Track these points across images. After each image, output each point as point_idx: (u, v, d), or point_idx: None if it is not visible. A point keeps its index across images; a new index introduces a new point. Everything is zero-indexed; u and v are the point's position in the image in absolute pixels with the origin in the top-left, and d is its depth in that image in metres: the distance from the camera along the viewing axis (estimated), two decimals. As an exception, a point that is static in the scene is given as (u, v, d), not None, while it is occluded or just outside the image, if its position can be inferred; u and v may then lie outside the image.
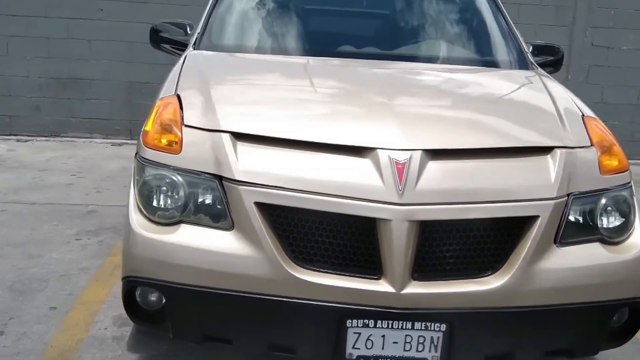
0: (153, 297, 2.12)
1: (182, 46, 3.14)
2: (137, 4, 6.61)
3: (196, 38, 3.02)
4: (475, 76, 2.87)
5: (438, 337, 1.92)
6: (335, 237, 1.91)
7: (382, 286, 1.88)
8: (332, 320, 1.90)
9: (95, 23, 6.64)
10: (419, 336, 1.92)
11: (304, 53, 2.94)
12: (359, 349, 1.93)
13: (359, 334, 1.92)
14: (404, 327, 1.90)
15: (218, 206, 1.98)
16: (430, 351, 1.94)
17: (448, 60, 2.98)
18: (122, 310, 2.71)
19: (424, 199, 1.88)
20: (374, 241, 1.88)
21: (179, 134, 2.09)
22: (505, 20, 3.22)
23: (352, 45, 3.02)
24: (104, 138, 6.83)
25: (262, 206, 1.91)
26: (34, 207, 4.41)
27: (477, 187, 1.93)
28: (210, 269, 1.95)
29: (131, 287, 2.08)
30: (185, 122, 2.13)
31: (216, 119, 2.10)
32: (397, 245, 1.84)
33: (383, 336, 1.92)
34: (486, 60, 3.04)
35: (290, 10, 3.23)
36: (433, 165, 1.94)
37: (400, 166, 1.90)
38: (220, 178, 1.98)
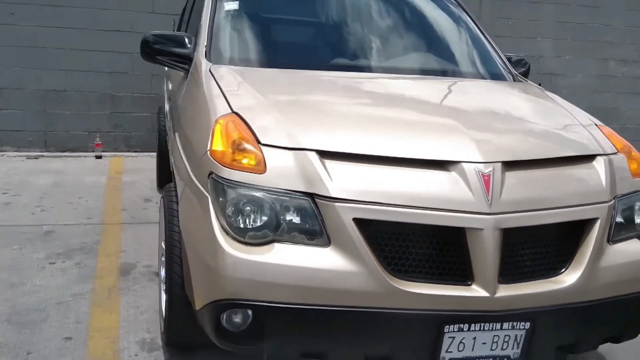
0: (237, 319, 2.10)
1: (183, 58, 3.05)
2: (50, 8, 6.22)
3: (205, 51, 2.95)
4: (498, 89, 3.07)
5: (521, 335, 2.10)
6: (428, 247, 2.03)
7: (475, 291, 2.02)
8: (431, 327, 2.02)
9: (5, 28, 6.16)
10: (505, 335, 2.09)
11: (337, 68, 2.97)
12: (451, 352, 2.07)
13: (453, 338, 2.05)
14: (494, 328, 2.06)
15: (312, 224, 2.02)
16: (512, 348, 2.11)
17: (454, 74, 3.17)
18: (143, 335, 2.72)
19: (507, 208, 2.05)
20: (464, 249, 2.02)
21: (259, 153, 2.09)
22: (486, 35, 3.49)
23: (372, 58, 3.12)
24: (15, 151, 6.36)
25: (359, 222, 1.98)
26: (-19, 230, 4.06)
27: (547, 195, 2.14)
28: (310, 286, 1.99)
29: (223, 309, 2.05)
30: (262, 142, 2.13)
31: (297, 138, 2.12)
32: (488, 252, 2.00)
33: (474, 338, 2.06)
34: (491, 73, 3.26)
35: (305, 22, 3.25)
36: (510, 176, 2.12)
37: (486, 178, 2.06)
38: (312, 196, 2.01)
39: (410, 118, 2.47)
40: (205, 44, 3.01)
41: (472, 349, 2.08)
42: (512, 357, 2.12)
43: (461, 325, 2.03)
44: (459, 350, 2.07)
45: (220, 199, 2.09)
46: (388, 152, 2.11)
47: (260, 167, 2.08)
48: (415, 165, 2.09)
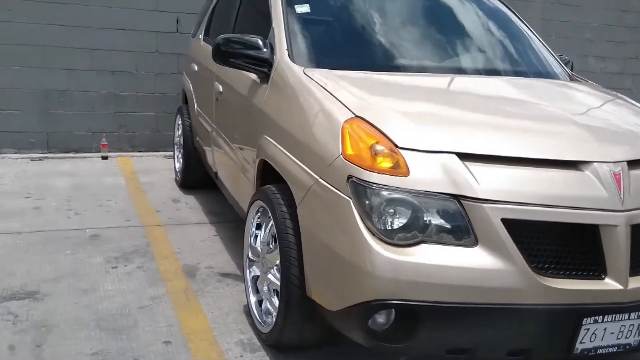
0: (381, 318, 2.18)
1: (259, 61, 3.08)
2: (49, 5, 6.05)
3: (287, 54, 2.99)
4: (581, 89, 3.26)
5: (642, 323, 2.24)
6: (566, 244, 2.16)
7: (609, 285, 2.16)
8: (571, 320, 2.15)
9: (2, 25, 5.95)
10: (630, 324, 2.23)
11: (426, 70, 3.10)
12: (584, 343, 2.20)
13: (588, 329, 2.18)
14: (622, 319, 2.21)
15: (460, 224, 2.11)
16: (635, 336, 2.26)
17: (531, 74, 3.32)
18: (239, 336, 2.85)
19: (636, 204, 2.19)
20: (599, 245, 2.15)
21: (400, 156, 2.17)
22: (539, 38, 3.66)
23: (460, 60, 3.25)
24: (16, 152, 6.17)
25: (507, 221, 2.08)
26: (23, 236, 3.96)
27: None
28: (459, 285, 2.09)
29: (375, 310, 2.12)
30: (400, 145, 2.20)
31: (435, 141, 2.21)
32: (622, 247, 2.15)
33: (605, 329, 2.21)
34: (558, 73, 3.44)
35: (383, 24, 3.32)
36: (632, 174, 2.26)
37: (617, 176, 2.20)
38: (458, 198, 2.11)
39: (531, 119, 2.59)
40: (286, 47, 3.04)
41: (602, 339, 2.21)
42: (632, 344, 2.27)
43: (597, 317, 2.17)
44: (591, 341, 2.20)
45: (366, 201, 2.15)
46: (526, 154, 2.22)
47: (403, 170, 2.15)
48: (551, 166, 2.21)
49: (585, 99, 3.09)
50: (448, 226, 2.12)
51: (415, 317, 2.11)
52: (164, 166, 6.03)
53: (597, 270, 2.17)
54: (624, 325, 2.22)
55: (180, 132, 5.25)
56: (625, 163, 2.26)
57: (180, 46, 6.34)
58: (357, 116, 2.37)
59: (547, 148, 2.27)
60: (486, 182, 2.12)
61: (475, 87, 2.98)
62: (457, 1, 3.66)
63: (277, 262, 2.65)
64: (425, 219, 2.12)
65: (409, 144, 2.22)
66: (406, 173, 2.15)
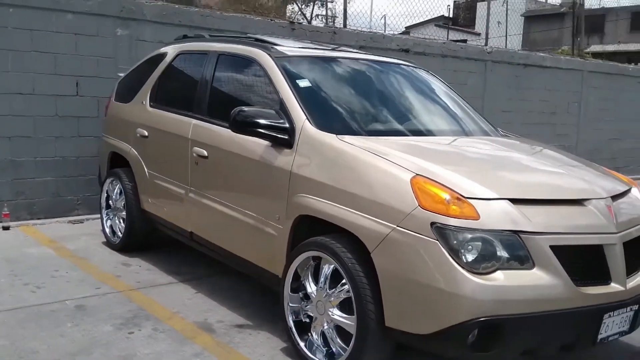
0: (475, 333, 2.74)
1: (279, 130, 3.50)
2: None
3: (309, 122, 3.47)
4: (532, 142, 4.23)
5: (632, 314, 3.07)
6: (586, 260, 2.93)
7: (615, 287, 2.97)
8: (598, 317, 2.92)
9: None
10: (627, 315, 3.06)
11: (423, 133, 3.87)
12: (602, 333, 2.98)
13: (605, 323, 2.97)
14: (624, 312, 3.02)
15: (522, 253, 2.78)
16: (628, 324, 3.09)
17: (486, 133, 4.17)
18: None
19: (623, 227, 3.05)
20: (604, 259, 2.96)
21: (468, 204, 2.79)
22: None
23: (445, 124, 4.04)
24: None
25: (553, 247, 2.80)
26: (4, 315, 3.79)
27: (633, 215, 3.19)
28: (528, 299, 2.75)
29: (472, 327, 2.68)
30: (465, 195, 2.82)
31: (492, 191, 2.88)
32: (619, 258, 2.98)
33: (613, 321, 3.01)
34: (494, 130, 4.33)
35: (370, 94, 3.98)
36: (615, 205, 3.12)
37: (609, 208, 3.04)
38: (517, 233, 2.77)
39: (540, 172, 3.41)
40: (305, 117, 3.51)
41: (611, 329, 3.02)
42: (626, 330, 3.11)
43: (611, 313, 2.96)
44: (605, 332, 2.99)
45: (454, 241, 2.73)
46: (552, 196, 2.99)
47: (474, 214, 2.77)
48: (567, 204, 2.99)
49: (550, 152, 4.00)
50: (513, 255, 2.77)
51: (501, 328, 2.72)
52: (80, 232, 5.89)
53: (605, 277, 2.97)
54: (623, 317, 3.04)
55: (119, 197, 5.26)
56: (610, 197, 3.12)
57: (82, 109, 6.31)
58: (418, 174, 2.94)
59: (563, 191, 3.08)
60: (534, 219, 2.82)
61: (476, 146, 3.79)
62: (419, 80, 4.51)
63: (337, 303, 3.09)
64: (497, 250, 2.75)
65: (471, 194, 2.85)
66: (477, 217, 2.77)
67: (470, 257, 2.73)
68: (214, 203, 4.10)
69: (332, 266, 3.16)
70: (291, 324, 3.39)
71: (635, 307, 3.08)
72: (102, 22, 6.41)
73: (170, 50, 5.04)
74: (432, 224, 2.77)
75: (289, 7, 24.47)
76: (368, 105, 3.96)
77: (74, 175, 6.47)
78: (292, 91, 3.69)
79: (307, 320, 3.36)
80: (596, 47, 31.05)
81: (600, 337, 2.97)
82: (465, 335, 2.71)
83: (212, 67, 4.36)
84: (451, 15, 33.53)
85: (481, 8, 28.62)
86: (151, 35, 6.77)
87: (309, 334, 3.33)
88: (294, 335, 3.37)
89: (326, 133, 3.41)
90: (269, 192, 3.62)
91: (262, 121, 3.51)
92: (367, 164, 3.13)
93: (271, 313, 3.95)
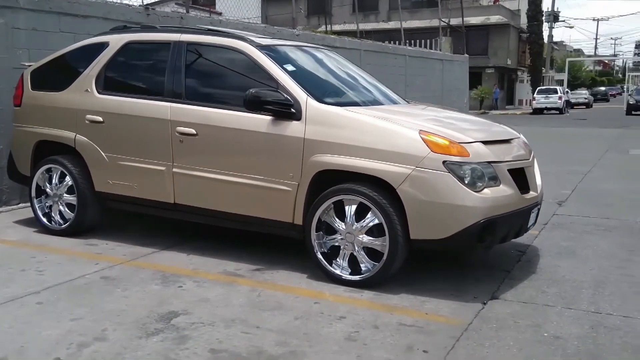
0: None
1: (286, 106, 4.41)
2: None
3: (307, 98, 4.43)
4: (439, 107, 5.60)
5: (537, 212, 4.74)
6: (518, 176, 4.49)
7: (533, 194, 4.57)
8: (530, 212, 4.50)
9: None
10: (534, 212, 4.69)
11: (367, 103, 5.05)
12: (529, 224, 4.57)
13: (531, 217, 4.55)
14: (536, 210, 4.65)
15: (493, 175, 4.19)
16: (534, 219, 4.74)
17: (400, 103, 5.52)
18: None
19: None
20: (525, 175, 4.56)
21: (462, 147, 4.11)
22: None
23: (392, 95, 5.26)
24: None
25: (509, 170, 4.29)
26: (42, 294, 4.05)
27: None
28: (504, 204, 4.19)
29: (483, 225, 4.03)
30: (458, 141, 4.14)
31: (469, 137, 4.24)
32: (532, 175, 4.61)
33: (532, 216, 4.61)
34: (403, 100, 5.73)
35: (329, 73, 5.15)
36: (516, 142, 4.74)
37: (525, 144, 4.65)
38: (490, 162, 4.18)
39: (479, 122, 4.87)
40: (305, 95, 4.46)
41: (531, 221, 4.63)
42: (533, 223, 4.75)
43: (533, 210, 4.57)
44: (529, 224, 4.60)
45: (460, 172, 4.02)
46: (500, 138, 4.50)
47: (466, 153, 4.12)
48: (506, 143, 4.54)
49: (453, 112, 5.47)
50: (491, 177, 4.17)
51: (494, 224, 4.11)
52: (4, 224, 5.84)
53: (527, 188, 4.55)
54: (535, 213, 4.69)
55: (59, 183, 5.47)
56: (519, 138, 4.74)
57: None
58: (421, 130, 4.17)
59: (502, 135, 4.63)
60: (496, 153, 4.26)
61: (428, 110, 5.20)
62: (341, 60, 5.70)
63: (365, 231, 4.20)
64: (483, 175, 4.12)
65: (460, 139, 4.18)
66: (468, 155, 4.12)
67: (470, 181, 4.06)
68: (206, 173, 4.77)
69: (355, 206, 4.23)
70: (319, 255, 4.37)
71: (538, 207, 4.73)
72: (-19, 11, 6.24)
73: (113, 40, 5.37)
74: (444, 162, 4.04)
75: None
76: (341, 83, 5.07)
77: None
78: (286, 74, 4.58)
79: (328, 251, 4.37)
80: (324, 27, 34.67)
81: (528, 226, 4.57)
82: (474, 233, 4.05)
83: (183, 57, 4.96)
84: (192, -5, 34.09)
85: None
86: (25, 22, 6.74)
87: (335, 260, 4.35)
88: (323, 262, 4.36)
89: (333, 106, 4.44)
90: (279, 156, 4.48)
91: (273, 99, 4.37)
92: (380, 126, 4.25)
93: (273, 258, 4.83)
